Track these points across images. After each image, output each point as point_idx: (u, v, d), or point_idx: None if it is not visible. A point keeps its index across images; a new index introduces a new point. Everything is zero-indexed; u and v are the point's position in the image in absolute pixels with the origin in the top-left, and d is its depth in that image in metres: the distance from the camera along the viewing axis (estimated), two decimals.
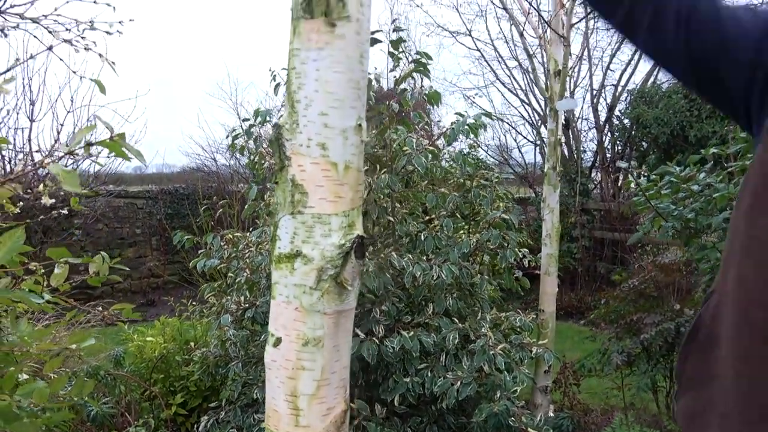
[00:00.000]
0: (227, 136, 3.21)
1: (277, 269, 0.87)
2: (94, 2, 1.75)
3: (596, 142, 7.51)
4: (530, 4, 3.39)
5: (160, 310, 6.71)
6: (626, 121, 6.93)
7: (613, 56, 7.36)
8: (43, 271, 1.79)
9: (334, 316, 0.86)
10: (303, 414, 0.86)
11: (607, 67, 7.32)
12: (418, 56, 2.78)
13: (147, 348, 3.31)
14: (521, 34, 4.30)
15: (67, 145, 1.02)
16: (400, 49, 2.97)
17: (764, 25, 0.80)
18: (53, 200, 1.92)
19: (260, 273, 3.03)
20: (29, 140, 6.01)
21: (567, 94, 3.10)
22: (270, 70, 3.33)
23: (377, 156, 3.12)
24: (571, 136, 7.90)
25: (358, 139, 0.87)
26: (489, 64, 7.84)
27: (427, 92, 2.90)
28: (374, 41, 3.01)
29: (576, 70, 7.93)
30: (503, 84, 8.14)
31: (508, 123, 8.84)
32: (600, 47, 7.84)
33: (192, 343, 3.29)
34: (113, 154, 1.28)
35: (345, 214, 0.86)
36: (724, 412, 0.78)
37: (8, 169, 5.81)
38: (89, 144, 1.08)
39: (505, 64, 8.19)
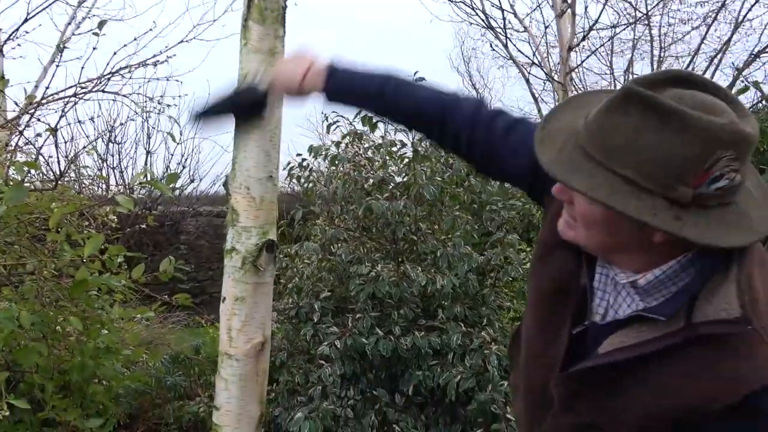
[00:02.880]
0: (284, 168, 3.93)
1: (225, 257, 1.51)
2: (167, 79, 2.52)
3: None
4: (533, 60, 3.86)
5: None
6: None
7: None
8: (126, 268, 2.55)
9: (253, 285, 1.48)
10: (234, 341, 1.48)
11: None
12: None
13: (218, 339, 4.08)
14: (527, 81, 4.73)
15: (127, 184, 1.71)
16: None
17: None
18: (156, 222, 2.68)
19: (305, 280, 3.70)
20: (145, 166, 7.11)
21: None
22: (323, 113, 4.05)
23: (406, 185, 3.72)
24: None
25: (270, 184, 1.49)
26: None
27: None
28: None
29: None
30: None
31: None
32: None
33: None
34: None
35: (260, 226, 1.48)
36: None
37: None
38: (140, 183, 1.78)
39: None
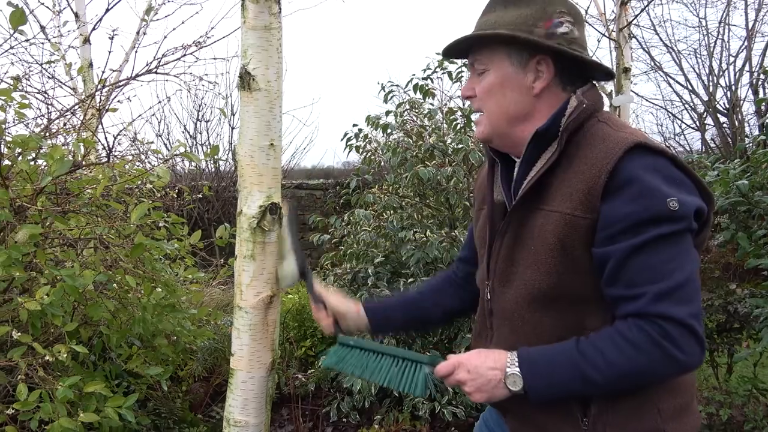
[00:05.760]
0: (341, 139, 4.07)
1: (237, 219, 1.67)
2: (214, 59, 2.70)
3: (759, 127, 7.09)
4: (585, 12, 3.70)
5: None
6: None
7: None
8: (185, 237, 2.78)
9: (260, 244, 1.62)
10: (243, 294, 1.64)
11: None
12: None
13: (286, 302, 4.34)
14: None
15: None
16: None
17: None
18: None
19: (361, 246, 3.85)
20: (230, 143, 7.48)
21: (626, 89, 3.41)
22: (379, 82, 4.13)
23: (457, 150, 3.75)
24: (735, 120, 7.53)
25: (272, 151, 1.62)
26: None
27: None
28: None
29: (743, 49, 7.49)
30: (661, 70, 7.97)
31: (666, 110, 8.60)
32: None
33: None
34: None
35: (264, 191, 1.62)
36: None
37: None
38: (175, 155, 1.96)
39: (672, 49, 8.01)
